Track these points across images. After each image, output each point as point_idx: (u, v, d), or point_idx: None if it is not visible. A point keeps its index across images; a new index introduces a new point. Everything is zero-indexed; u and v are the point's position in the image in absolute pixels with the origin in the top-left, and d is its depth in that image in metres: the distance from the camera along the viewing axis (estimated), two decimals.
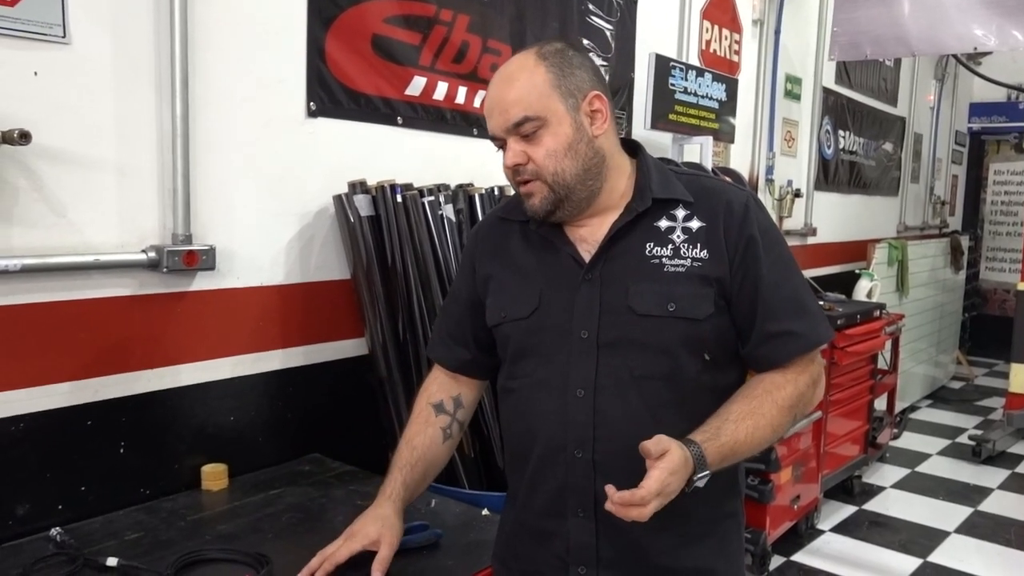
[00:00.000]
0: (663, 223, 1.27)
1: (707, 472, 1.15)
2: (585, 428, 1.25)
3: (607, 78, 3.22)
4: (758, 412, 1.22)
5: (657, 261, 1.25)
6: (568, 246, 1.31)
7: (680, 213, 1.28)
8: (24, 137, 1.53)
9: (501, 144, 1.28)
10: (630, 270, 1.26)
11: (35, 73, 1.63)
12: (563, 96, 1.24)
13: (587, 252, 1.29)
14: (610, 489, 1.10)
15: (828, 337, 1.30)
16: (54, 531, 1.59)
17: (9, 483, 1.64)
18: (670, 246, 1.26)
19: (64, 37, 1.66)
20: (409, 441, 1.46)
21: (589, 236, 1.30)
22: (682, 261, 1.25)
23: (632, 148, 1.36)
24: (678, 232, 1.27)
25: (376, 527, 1.40)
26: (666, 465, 1.10)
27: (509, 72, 1.27)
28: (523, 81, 1.24)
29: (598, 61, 3.18)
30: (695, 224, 1.26)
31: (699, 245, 1.25)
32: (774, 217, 4.58)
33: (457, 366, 1.48)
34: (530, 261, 1.35)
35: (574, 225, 1.31)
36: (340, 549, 1.39)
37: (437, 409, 1.47)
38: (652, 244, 1.26)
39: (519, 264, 1.36)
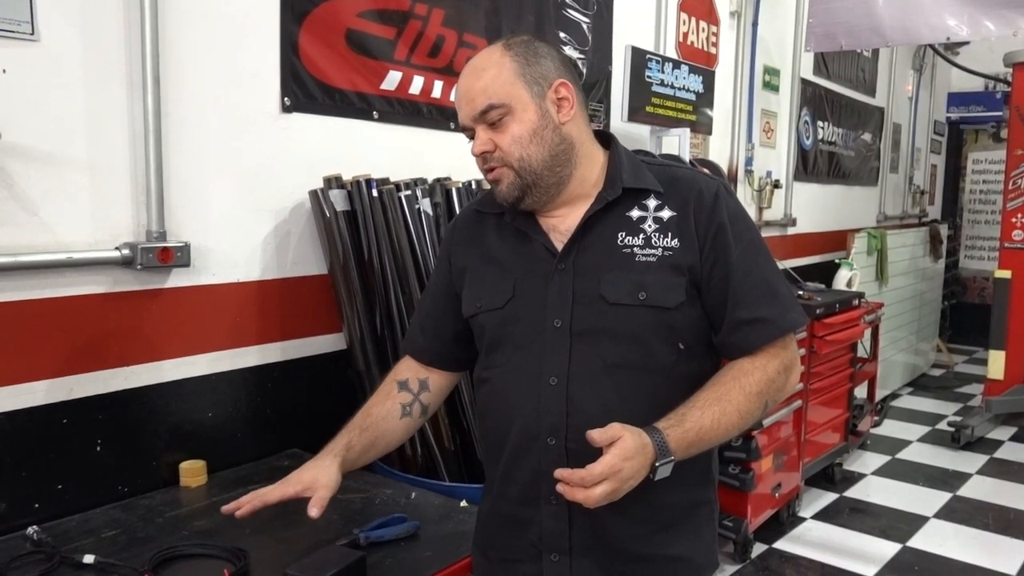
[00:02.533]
0: (635, 212, 1.29)
1: (671, 458, 1.15)
2: (558, 416, 1.26)
3: (583, 71, 3.24)
4: (725, 398, 1.22)
5: (628, 250, 1.27)
6: (541, 235, 1.32)
7: (651, 203, 1.30)
8: None
9: (471, 135, 1.30)
10: (602, 259, 1.27)
11: (3, 71, 1.62)
12: (528, 84, 1.26)
13: (559, 241, 1.30)
14: (560, 471, 1.11)
15: (800, 323, 1.30)
16: (31, 529, 1.59)
17: None
18: (641, 235, 1.27)
19: (32, 34, 1.65)
20: (365, 409, 1.44)
21: (561, 225, 1.32)
22: (653, 250, 1.26)
23: (606, 140, 1.38)
24: (649, 221, 1.28)
25: (311, 473, 1.34)
26: (617, 451, 1.11)
27: (476, 64, 1.29)
28: (489, 71, 1.26)
29: (575, 54, 3.19)
30: (666, 213, 1.28)
31: (670, 234, 1.27)
32: (753, 208, 4.63)
33: (429, 359, 1.48)
34: (505, 252, 1.36)
35: (546, 215, 1.33)
36: (272, 490, 1.33)
37: (400, 386, 1.46)
38: (624, 233, 1.28)
39: (494, 255, 1.37)
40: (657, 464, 1.15)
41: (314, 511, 1.31)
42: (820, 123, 5.49)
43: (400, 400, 1.45)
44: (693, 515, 1.34)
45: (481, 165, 1.30)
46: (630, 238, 1.27)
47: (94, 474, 1.80)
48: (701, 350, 1.30)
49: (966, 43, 5.33)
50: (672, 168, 1.36)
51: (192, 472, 1.92)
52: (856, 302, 4.29)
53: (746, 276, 1.27)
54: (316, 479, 1.33)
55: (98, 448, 1.81)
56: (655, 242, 1.27)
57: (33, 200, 1.68)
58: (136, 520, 1.71)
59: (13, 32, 1.62)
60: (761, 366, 1.26)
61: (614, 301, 1.25)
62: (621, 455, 1.11)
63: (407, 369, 1.49)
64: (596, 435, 1.12)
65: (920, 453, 4.80)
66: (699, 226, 1.27)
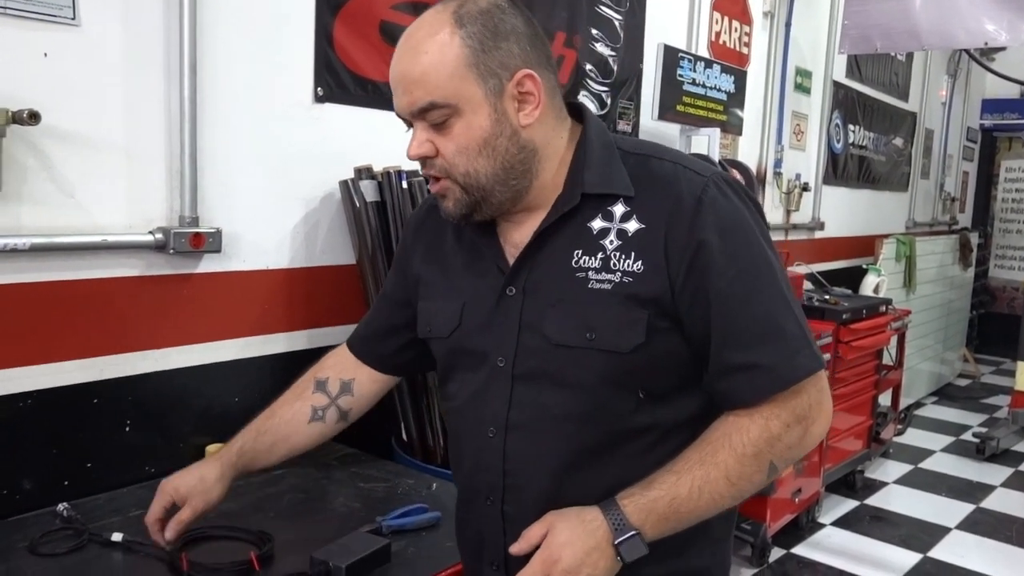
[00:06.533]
0: (596, 223, 1.03)
1: (632, 533, 0.96)
2: (495, 474, 1.08)
3: (615, 69, 3.22)
4: (710, 461, 0.99)
5: (583, 275, 1.02)
6: (494, 250, 1.10)
7: (618, 210, 1.03)
8: (33, 117, 1.55)
9: (409, 124, 1.06)
10: (553, 285, 1.04)
11: (45, 54, 1.64)
12: (481, 77, 0.99)
13: (513, 257, 1.09)
14: None
15: (810, 369, 1.01)
16: (61, 506, 1.61)
17: (16, 458, 1.67)
18: (600, 255, 1.02)
19: (74, 19, 1.67)
20: (272, 408, 1.32)
21: (519, 237, 1.08)
22: (610, 276, 1.01)
23: (579, 115, 1.11)
24: (611, 236, 1.02)
25: (188, 484, 1.27)
26: (548, 540, 0.97)
27: (416, 39, 1.01)
28: (432, 55, 0.99)
29: (606, 52, 3.18)
30: (632, 226, 1.01)
31: (633, 254, 1.00)
32: (781, 211, 4.58)
33: (371, 360, 1.32)
34: (457, 266, 1.15)
35: (506, 221, 1.11)
36: (152, 509, 1.29)
37: (318, 386, 1.31)
38: (580, 251, 1.03)
39: (448, 268, 1.17)
40: (616, 543, 0.96)
41: (169, 534, 1.26)
42: (851, 127, 5.43)
43: (312, 402, 1.30)
44: None
45: (420, 169, 1.08)
46: (586, 258, 1.02)
47: (122, 454, 1.83)
48: (672, 393, 1.05)
49: (1002, 48, 5.25)
50: (652, 161, 1.06)
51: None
52: (883, 308, 4.25)
53: (739, 309, 0.99)
54: (190, 496, 1.27)
55: (127, 429, 1.84)
56: (614, 264, 1.01)
57: (70, 182, 1.70)
58: None
59: (55, 16, 1.65)
60: (761, 421, 1.00)
61: (558, 342, 1.02)
62: (552, 543, 0.97)
63: (332, 365, 1.34)
64: (515, 549, 1.00)
65: (943, 463, 4.75)
66: (672, 244, 0.99)
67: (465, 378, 1.12)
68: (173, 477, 1.32)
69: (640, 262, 1.00)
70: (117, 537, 1.49)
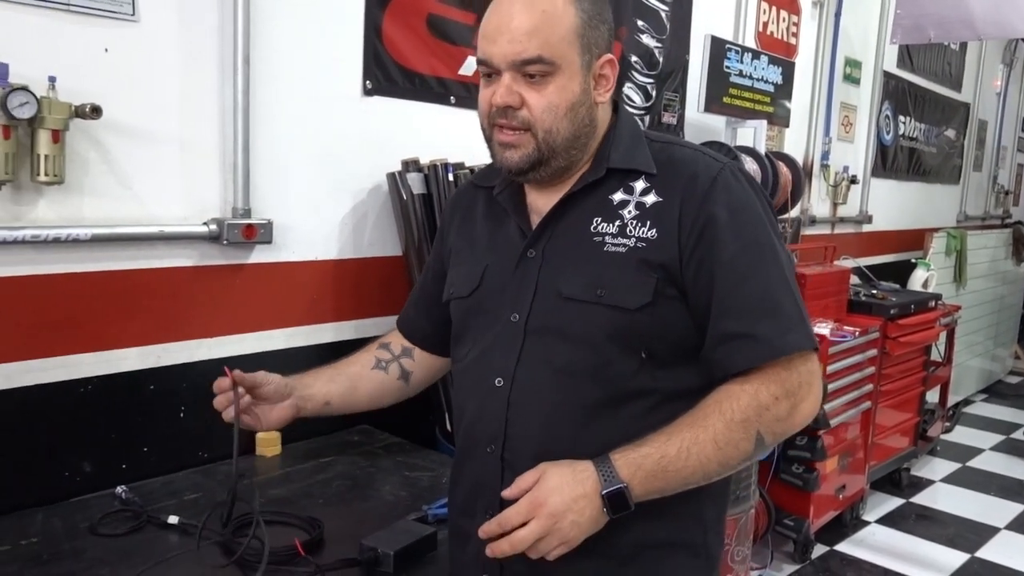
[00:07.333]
0: (617, 195, 1.14)
1: (618, 486, 1.01)
2: (498, 422, 1.14)
3: (660, 60, 3.21)
4: (700, 424, 1.05)
5: (599, 239, 1.12)
6: (521, 216, 1.19)
7: (639, 185, 1.13)
8: (96, 111, 1.60)
9: (490, 73, 1.12)
10: (571, 247, 1.14)
11: (105, 49, 1.69)
12: (583, 49, 1.09)
13: (537, 225, 1.19)
14: (482, 529, 1.05)
15: (800, 347, 1.08)
16: (119, 489, 1.66)
17: (78, 442, 1.73)
18: (617, 223, 1.12)
19: (133, 15, 1.72)
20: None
21: (544, 206, 1.18)
22: (625, 240, 1.10)
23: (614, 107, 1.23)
24: (631, 207, 1.12)
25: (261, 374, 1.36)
26: (538, 485, 1.02)
27: None
28: (550, 13, 1.07)
29: (652, 43, 3.16)
30: (650, 199, 1.12)
31: (649, 223, 1.10)
32: (828, 204, 4.51)
33: (419, 338, 1.42)
34: (484, 234, 1.25)
35: (536, 191, 1.20)
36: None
37: (382, 346, 1.43)
38: (600, 219, 1.13)
39: (476, 237, 1.27)
40: (603, 492, 1.01)
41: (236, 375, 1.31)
42: (902, 118, 5.32)
43: (377, 355, 1.42)
44: (663, 558, 1.15)
45: (493, 118, 1.12)
46: (605, 224, 1.12)
47: (177, 439, 1.88)
48: (675, 361, 1.12)
49: None
50: (674, 147, 1.18)
51: (268, 442, 1.98)
52: (932, 304, 4.16)
53: (740, 282, 1.08)
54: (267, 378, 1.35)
55: (181, 415, 1.89)
56: (630, 231, 1.10)
57: (129, 174, 1.75)
58: (215, 485, 1.77)
59: (115, 12, 1.69)
60: (752, 391, 1.06)
61: (568, 296, 1.11)
62: (541, 487, 1.02)
63: (393, 336, 1.46)
64: (507, 493, 1.05)
65: (992, 462, 4.65)
66: (685, 216, 1.09)
67: (477, 337, 1.20)
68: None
69: (655, 230, 1.10)
70: (173, 520, 1.53)
